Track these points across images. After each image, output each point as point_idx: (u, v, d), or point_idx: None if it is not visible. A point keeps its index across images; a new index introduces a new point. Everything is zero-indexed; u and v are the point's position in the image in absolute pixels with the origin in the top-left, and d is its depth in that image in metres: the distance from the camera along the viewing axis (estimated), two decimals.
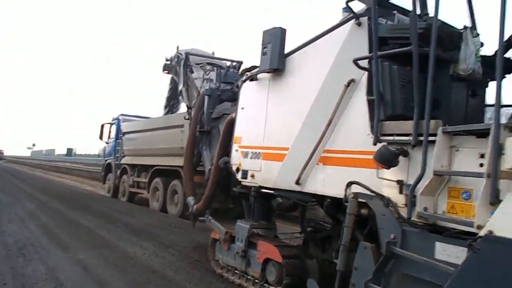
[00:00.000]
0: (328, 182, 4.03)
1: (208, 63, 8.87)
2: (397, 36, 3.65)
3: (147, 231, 8.06)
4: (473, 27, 4.27)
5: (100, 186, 17.05)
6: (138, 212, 10.93)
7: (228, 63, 9.36)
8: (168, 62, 10.48)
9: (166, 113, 11.84)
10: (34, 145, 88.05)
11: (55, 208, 10.99)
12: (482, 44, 3.97)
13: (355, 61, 3.65)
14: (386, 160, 3.17)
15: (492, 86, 4.06)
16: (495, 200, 2.45)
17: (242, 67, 8.29)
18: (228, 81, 7.26)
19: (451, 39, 3.74)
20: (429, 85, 3.07)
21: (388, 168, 3.21)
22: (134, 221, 9.19)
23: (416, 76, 3.17)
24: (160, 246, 6.76)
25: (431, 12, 4.46)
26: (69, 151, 57.83)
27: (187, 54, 9.17)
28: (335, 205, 4.06)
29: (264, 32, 4.70)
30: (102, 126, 16.27)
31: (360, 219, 3.65)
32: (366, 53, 3.74)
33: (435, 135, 3.02)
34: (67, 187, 19.41)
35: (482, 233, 2.44)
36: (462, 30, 3.78)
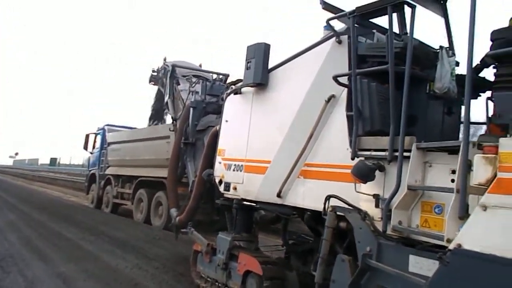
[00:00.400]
0: (309, 195, 4.10)
1: (195, 76, 8.98)
2: (375, 55, 3.77)
3: (130, 243, 8.03)
4: (450, 47, 4.45)
5: (84, 197, 16.90)
6: (122, 223, 10.88)
7: (215, 76, 9.48)
8: (155, 74, 10.58)
9: (151, 124, 11.87)
10: (16, 154, 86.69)
11: (37, 219, 10.89)
12: (457, 64, 4.13)
13: (335, 78, 3.76)
14: (363, 174, 3.26)
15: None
16: (464, 214, 2.55)
17: (229, 80, 8.41)
18: (214, 94, 7.38)
19: (428, 58, 3.88)
20: (404, 102, 3.18)
21: (365, 182, 3.30)
22: (117, 233, 9.14)
23: (392, 94, 3.28)
24: (144, 259, 6.73)
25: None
26: (53, 160, 57.06)
27: (174, 66, 9.27)
28: (315, 218, 4.14)
29: (248, 47, 4.81)
30: (87, 136, 16.20)
31: (340, 232, 3.73)
32: (346, 70, 3.85)
33: (410, 151, 3.13)
34: (50, 197, 19.20)
35: (451, 246, 2.53)
36: (438, 50, 3.93)
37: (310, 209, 4.11)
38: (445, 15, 4.61)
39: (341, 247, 3.80)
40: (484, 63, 3.94)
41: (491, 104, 3.56)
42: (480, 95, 4.16)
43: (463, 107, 4.28)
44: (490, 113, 3.56)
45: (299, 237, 5.40)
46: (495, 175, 2.40)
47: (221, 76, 9.22)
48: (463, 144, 2.65)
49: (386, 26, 4.06)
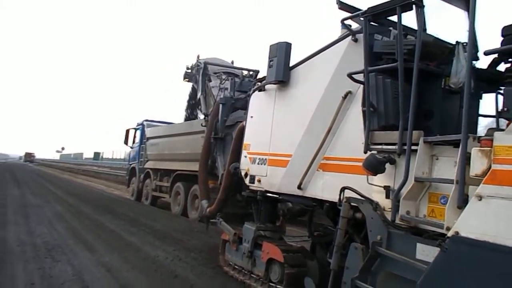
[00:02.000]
0: (327, 187, 4.33)
1: (225, 73, 9.30)
2: (390, 52, 3.94)
3: (169, 235, 8.29)
4: (472, 42, 4.50)
5: (126, 190, 17.68)
6: (161, 216, 11.34)
7: (245, 72, 9.78)
8: (189, 71, 10.99)
9: (186, 120, 12.35)
10: (63, 148, 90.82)
11: (82, 211, 11.47)
12: (477, 58, 4.21)
13: (349, 75, 3.96)
14: (373, 167, 3.46)
15: (485, 97, 4.29)
16: (462, 204, 2.72)
17: (259, 76, 8.70)
18: (242, 90, 7.66)
19: (443, 53, 4.00)
20: (412, 97, 3.34)
21: (375, 174, 3.50)
22: (157, 225, 9.51)
23: (402, 89, 3.45)
24: (183, 250, 6.87)
25: (428, 28, 4.75)
26: (96, 155, 59.51)
27: (206, 63, 9.63)
28: (335, 209, 4.36)
29: (271, 46, 5.06)
30: (127, 131, 16.93)
31: (357, 222, 3.95)
32: (362, 67, 4.04)
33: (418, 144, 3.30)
34: (94, 190, 20.16)
35: (449, 234, 2.71)
36: (454, 45, 4.04)
37: (328, 200, 4.33)
38: (468, 8, 4.67)
39: (358, 236, 4.02)
40: (500, 58, 4.01)
41: (501, 98, 3.64)
42: (499, 89, 4.22)
43: (480, 101, 4.39)
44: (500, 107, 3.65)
45: (325, 228, 5.62)
46: (490, 167, 2.56)
47: (251, 73, 9.50)
48: (462, 137, 2.81)
49: (404, 23, 4.23)
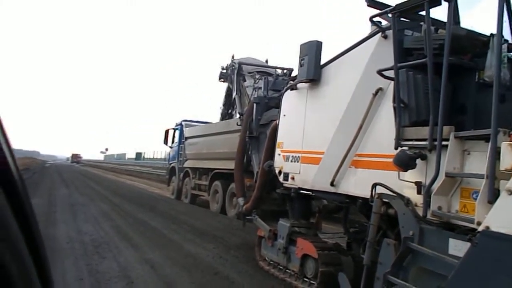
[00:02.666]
0: (359, 184, 4.37)
1: (259, 72, 9.44)
2: (420, 47, 3.93)
3: (209, 232, 8.45)
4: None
5: (166, 189, 18.16)
6: (200, 214, 11.61)
7: (279, 71, 9.87)
8: (224, 71, 11.22)
9: (223, 119, 12.58)
10: (107, 149, 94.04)
11: (126, 209, 11.89)
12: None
13: (379, 72, 3.99)
14: (403, 163, 3.49)
15: None
16: (492, 198, 2.72)
17: (294, 74, 8.78)
18: (276, 89, 7.76)
19: (476, 47, 3.95)
20: (442, 92, 3.34)
21: (405, 170, 3.52)
22: (197, 223, 9.74)
23: (431, 85, 3.46)
24: (223, 248, 6.98)
25: (462, 21, 4.68)
26: (138, 155, 61.35)
27: (240, 63, 9.81)
28: (367, 205, 4.40)
29: (301, 46, 5.14)
30: (166, 131, 17.39)
31: (390, 218, 3.98)
32: (392, 64, 4.05)
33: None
34: (137, 189, 20.83)
35: (480, 228, 2.72)
36: (489, 38, 3.97)
37: (361, 196, 4.37)
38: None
39: (392, 232, 4.05)
40: None
41: None
42: None
43: None
44: None
45: (360, 225, 5.65)
46: None
47: (285, 71, 9.59)
48: (492, 131, 2.80)
49: (437, 17, 4.20)
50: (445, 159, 3.26)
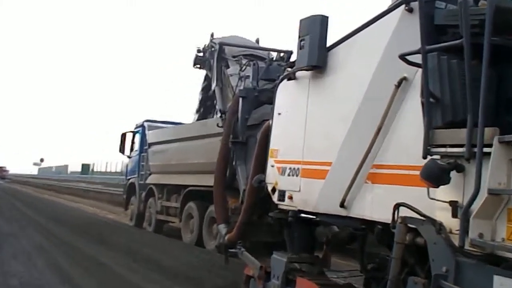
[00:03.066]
0: (378, 204, 4.46)
1: (246, 55, 9.54)
2: (456, 24, 4.04)
3: (182, 272, 8.52)
4: None
5: (124, 213, 18.20)
6: (169, 246, 11.71)
7: (274, 54, 9.98)
8: (201, 54, 11.31)
9: (199, 119, 12.66)
10: (42, 160, 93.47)
11: (68, 241, 11.96)
12: None
13: (402, 57, 4.10)
14: (433, 176, 3.58)
15: None
16: None
17: (293, 59, 8.89)
18: (270, 78, 7.85)
19: None
20: (482, 83, 3.44)
21: (436, 186, 3.62)
22: (164, 259, 9.83)
23: (469, 73, 3.56)
24: None
25: None
26: (85, 167, 61.24)
27: (222, 44, 9.90)
28: (389, 233, 4.49)
29: (301, 21, 5.25)
30: (123, 135, 17.43)
31: (418, 249, 4.08)
32: (419, 45, 4.17)
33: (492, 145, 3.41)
34: (83, 214, 20.90)
35: None
36: None
37: (381, 221, 4.46)
38: None
39: (421, 268, 4.15)
40: None
41: None
42: None
43: None
44: None
45: (381, 259, 5.73)
46: None
47: (281, 55, 9.70)
48: None
49: None
50: (488, 171, 3.36)
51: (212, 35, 10.90)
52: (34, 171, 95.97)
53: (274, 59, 9.62)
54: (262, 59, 9.48)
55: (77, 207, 25.33)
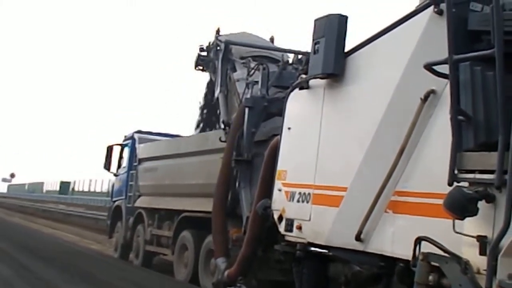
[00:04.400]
0: (400, 238, 4.67)
1: (256, 57, 9.74)
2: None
3: None
4: None
5: (109, 243, 18.23)
6: (160, 285, 11.81)
7: (291, 56, 10.18)
8: (204, 54, 11.51)
9: (201, 131, 12.86)
10: (13, 175, 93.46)
11: (42, 276, 11.81)
12: None
13: (428, 67, 4.32)
14: (458, 206, 3.79)
15: None
16: None
17: None
18: (284, 85, 8.06)
19: None
20: None
21: (461, 218, 3.83)
22: None
23: (501, 87, 3.78)
24: None
25: None
26: (65, 186, 61.62)
27: (228, 42, 10.10)
28: (412, 272, 4.67)
29: (316, 22, 5.52)
30: (110, 148, 17.51)
31: None
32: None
33: None
34: (61, 243, 20.83)
35: None
36: None
37: (402, 258, 4.66)
38: None
39: None
40: None
41: None
42: None
43: None
44: None
45: None
46: None
47: (300, 57, 9.88)
48: None
49: None
50: None
51: (217, 31, 11.02)
52: (2, 188, 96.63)
53: (290, 62, 9.80)
54: (276, 61, 9.68)
55: (54, 235, 25.34)
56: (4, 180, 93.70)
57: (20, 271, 12.45)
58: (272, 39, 11.54)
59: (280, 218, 5.96)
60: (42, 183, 76.17)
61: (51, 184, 70.12)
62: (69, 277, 11.88)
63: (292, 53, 10.33)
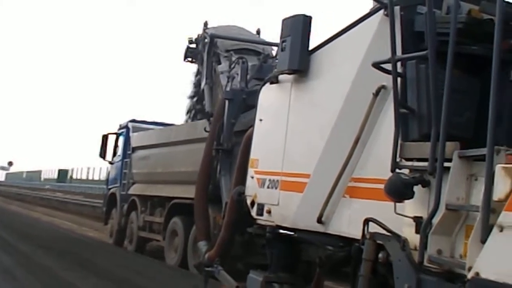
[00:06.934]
0: (355, 220, 5.13)
1: (239, 50, 10.21)
2: (437, 32, 4.72)
3: None
4: None
5: (106, 229, 18.55)
6: (163, 271, 12.32)
7: (275, 49, 10.62)
8: (192, 46, 11.97)
9: (190, 120, 13.28)
10: (11, 164, 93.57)
11: (41, 264, 12.28)
12: None
13: (376, 65, 4.83)
14: (395, 191, 4.30)
15: None
16: (486, 237, 3.54)
17: None
18: (263, 78, 8.51)
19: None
20: (445, 94, 4.15)
21: (399, 201, 4.35)
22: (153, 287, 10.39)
23: (433, 83, 4.28)
24: None
25: None
26: (63, 174, 61.99)
27: (213, 36, 10.57)
28: None
29: (283, 21, 5.99)
30: (105, 137, 17.99)
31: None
32: (400, 51, 4.88)
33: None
34: (59, 231, 21.33)
35: (469, 275, 3.55)
36: None
37: (357, 238, 5.16)
38: None
39: None
40: None
41: None
42: None
43: None
44: None
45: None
46: None
47: None
48: (487, 151, 3.63)
49: None
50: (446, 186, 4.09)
51: (205, 24, 11.41)
52: (0, 176, 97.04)
53: (275, 54, 10.23)
54: (259, 54, 10.16)
55: (53, 223, 25.62)
56: (2, 168, 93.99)
57: (19, 258, 12.88)
58: (258, 31, 11.99)
59: (253, 203, 6.44)
60: (40, 171, 76.55)
61: (49, 172, 70.61)
62: (67, 265, 12.25)
63: (275, 46, 10.74)
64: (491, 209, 3.56)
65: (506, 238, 3.38)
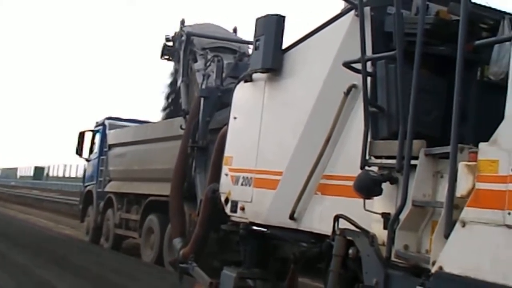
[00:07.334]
0: (327, 217, 5.23)
1: (215, 48, 10.30)
2: (409, 32, 4.84)
3: None
4: None
5: (82, 227, 18.58)
6: (137, 268, 12.35)
7: (251, 47, 10.74)
8: (170, 44, 12.03)
9: (167, 118, 13.35)
10: None
11: (16, 261, 12.24)
12: None
13: (347, 65, 4.94)
14: (363, 187, 4.42)
15: None
16: (449, 232, 3.66)
17: None
18: (238, 76, 8.62)
19: (480, 31, 4.91)
20: (412, 93, 4.24)
21: (367, 197, 4.46)
22: (134, 286, 10.43)
23: (401, 82, 4.40)
24: None
25: None
26: (39, 171, 61.66)
27: (190, 34, 10.65)
28: None
29: (257, 20, 6.07)
30: (82, 134, 18.06)
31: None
32: (370, 51, 5.00)
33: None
34: (35, 228, 21.27)
35: (433, 269, 3.67)
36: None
37: (328, 234, 5.27)
38: None
39: None
40: None
41: None
42: None
43: None
44: None
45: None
46: (474, 186, 3.51)
47: None
48: (451, 149, 3.76)
49: None
50: (413, 183, 4.21)
51: (182, 22, 11.50)
52: None
53: (246, 54, 10.34)
54: (235, 52, 10.25)
55: (29, 221, 25.54)
56: None
57: None
58: (235, 30, 12.07)
59: (227, 200, 6.52)
60: (16, 168, 76.09)
61: (25, 170, 70.17)
62: (42, 262, 12.29)
63: (251, 44, 10.83)
64: (454, 205, 3.69)
65: (468, 233, 3.50)
